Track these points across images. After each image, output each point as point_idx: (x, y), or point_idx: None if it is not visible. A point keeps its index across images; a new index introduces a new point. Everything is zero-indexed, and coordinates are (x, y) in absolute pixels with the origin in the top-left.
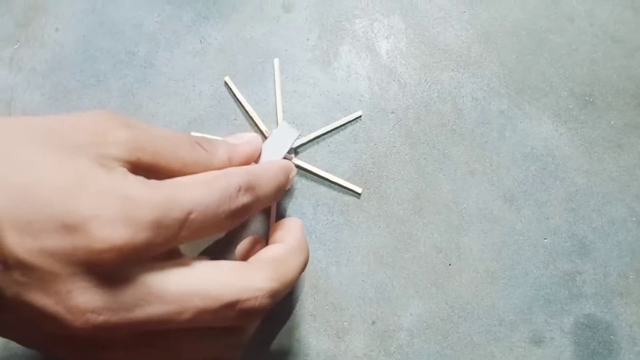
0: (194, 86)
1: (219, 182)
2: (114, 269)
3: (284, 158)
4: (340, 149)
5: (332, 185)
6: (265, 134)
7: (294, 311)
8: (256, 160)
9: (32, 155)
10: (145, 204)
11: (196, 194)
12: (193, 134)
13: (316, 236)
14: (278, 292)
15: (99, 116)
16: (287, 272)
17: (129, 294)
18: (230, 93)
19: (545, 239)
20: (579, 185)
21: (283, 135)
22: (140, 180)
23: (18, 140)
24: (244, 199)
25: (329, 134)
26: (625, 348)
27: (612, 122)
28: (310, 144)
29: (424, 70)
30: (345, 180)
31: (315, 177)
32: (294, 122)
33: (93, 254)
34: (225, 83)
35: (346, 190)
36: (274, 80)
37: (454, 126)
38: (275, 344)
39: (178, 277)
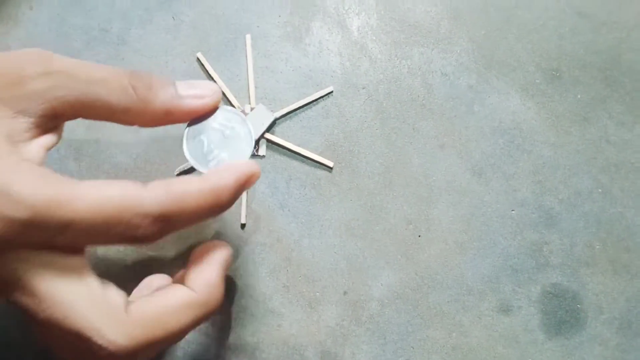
0: (167, 63)
1: (119, 203)
2: None
3: (260, 137)
4: (312, 124)
5: (305, 159)
6: (240, 110)
7: (267, 283)
8: None
9: None
10: (23, 203)
11: (84, 209)
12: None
13: (289, 210)
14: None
15: (21, 58)
16: (165, 329)
17: None
18: (202, 69)
19: (512, 210)
20: (546, 158)
21: (259, 118)
22: (34, 172)
23: None
24: (151, 229)
25: (301, 109)
26: (592, 317)
27: (579, 96)
28: (282, 119)
29: (395, 46)
30: (317, 154)
31: (288, 152)
32: (265, 98)
33: None
34: (198, 59)
35: (318, 164)
36: (246, 57)
37: (423, 101)
38: (248, 315)
39: None
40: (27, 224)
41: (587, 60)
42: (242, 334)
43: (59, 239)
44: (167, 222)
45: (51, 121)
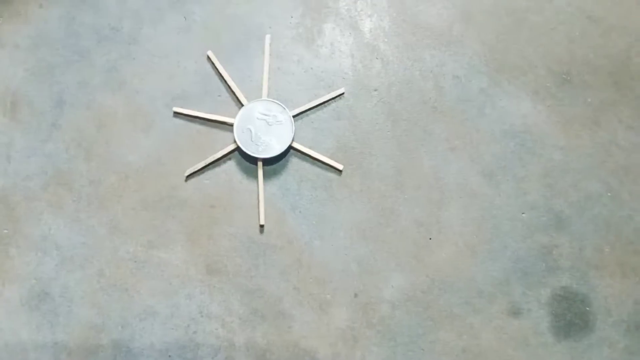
0: (178, 62)
1: None
2: None
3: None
4: (324, 126)
5: (315, 161)
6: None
7: (278, 284)
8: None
9: None
10: None
11: None
12: (175, 109)
13: (300, 211)
14: None
15: None
16: None
17: None
18: (213, 69)
19: (523, 213)
20: (556, 162)
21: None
22: None
23: None
24: None
25: (312, 110)
26: (601, 319)
27: (589, 100)
28: (294, 119)
29: (407, 48)
30: (328, 157)
31: (299, 153)
32: (277, 100)
33: None
34: (208, 58)
35: (329, 166)
36: (264, 57)
37: (435, 104)
38: (258, 317)
39: None
40: None
41: (597, 64)
42: (252, 336)
43: None
44: None
45: None
